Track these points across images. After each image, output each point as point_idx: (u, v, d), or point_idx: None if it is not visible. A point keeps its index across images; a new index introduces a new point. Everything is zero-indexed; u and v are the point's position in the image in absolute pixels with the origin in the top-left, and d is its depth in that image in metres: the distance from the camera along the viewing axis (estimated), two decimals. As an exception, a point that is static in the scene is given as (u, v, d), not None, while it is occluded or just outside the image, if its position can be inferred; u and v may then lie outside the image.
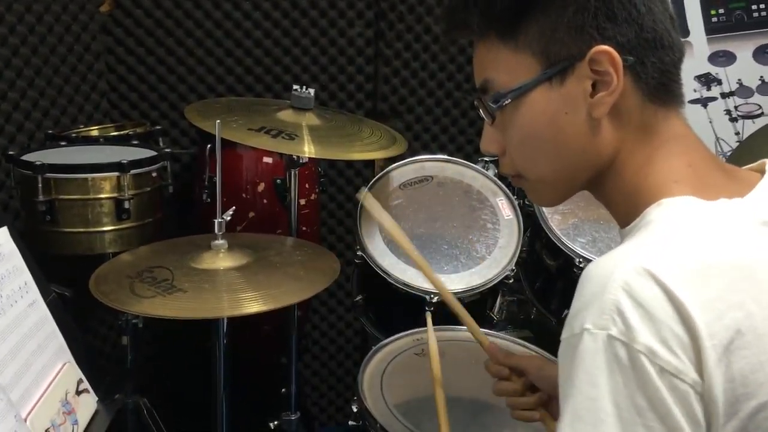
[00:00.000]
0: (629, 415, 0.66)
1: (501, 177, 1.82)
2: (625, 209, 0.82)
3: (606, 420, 0.66)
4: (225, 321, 1.49)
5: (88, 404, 1.22)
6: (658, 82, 0.80)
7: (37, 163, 1.57)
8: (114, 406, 1.31)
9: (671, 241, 0.71)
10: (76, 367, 1.22)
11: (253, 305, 1.27)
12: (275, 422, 1.83)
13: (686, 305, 0.66)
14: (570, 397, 0.69)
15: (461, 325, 1.18)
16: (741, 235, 0.73)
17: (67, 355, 1.22)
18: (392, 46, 2.31)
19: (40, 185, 1.56)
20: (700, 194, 0.76)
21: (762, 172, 0.82)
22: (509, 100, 0.83)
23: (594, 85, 0.79)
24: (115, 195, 1.62)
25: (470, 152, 2.41)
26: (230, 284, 1.36)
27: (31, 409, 1.06)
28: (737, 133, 2.22)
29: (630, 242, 0.75)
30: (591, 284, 0.70)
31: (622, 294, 0.67)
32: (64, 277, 1.47)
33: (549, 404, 1.09)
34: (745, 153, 1.84)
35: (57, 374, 1.16)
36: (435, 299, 1.59)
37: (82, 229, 1.62)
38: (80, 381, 1.22)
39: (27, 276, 1.20)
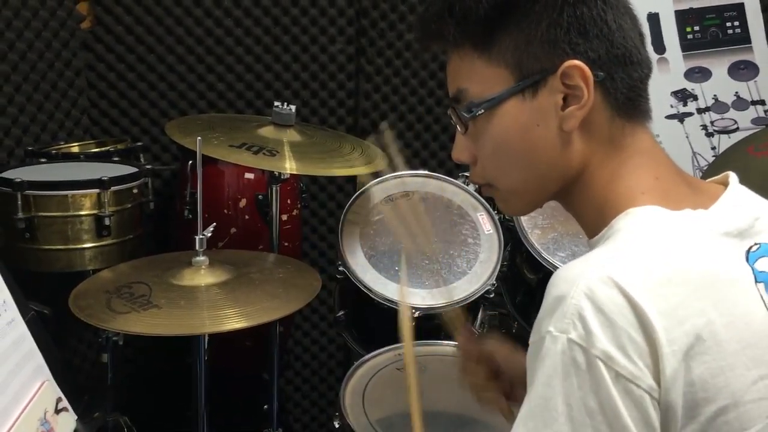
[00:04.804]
0: (579, 415, 0.68)
1: (480, 190, 1.83)
2: (593, 220, 0.84)
3: (557, 419, 0.68)
4: (206, 337, 1.49)
5: (67, 423, 1.21)
6: (626, 98, 0.82)
7: (17, 180, 1.56)
8: (94, 425, 1.29)
9: (636, 250, 0.73)
10: (55, 385, 1.21)
11: (228, 322, 1.27)
12: (257, 439, 1.82)
13: (647, 313, 0.68)
14: (528, 395, 0.72)
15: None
16: (704, 244, 0.75)
17: (46, 373, 1.21)
18: (373, 62, 2.33)
19: (19, 202, 1.56)
20: (666, 205, 0.78)
21: (725, 184, 0.84)
22: (482, 111, 0.84)
23: (565, 99, 0.80)
24: (95, 212, 1.62)
25: (451, 167, 2.42)
26: (206, 301, 1.36)
27: (9, 429, 1.05)
28: (713, 148, 2.26)
29: (596, 250, 0.77)
30: (556, 289, 0.73)
31: (585, 300, 0.69)
32: (43, 294, 1.46)
33: (511, 392, 1.12)
34: (720, 167, 1.87)
35: (35, 393, 1.15)
36: (416, 314, 1.59)
37: (61, 246, 1.61)
38: (59, 400, 1.21)
39: (5, 294, 1.18)
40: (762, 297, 0.74)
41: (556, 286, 0.73)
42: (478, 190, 1.84)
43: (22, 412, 1.10)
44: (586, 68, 0.79)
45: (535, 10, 0.80)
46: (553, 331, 0.70)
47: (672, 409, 0.68)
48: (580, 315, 0.69)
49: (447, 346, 1.55)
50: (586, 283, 0.70)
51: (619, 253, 0.74)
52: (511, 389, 1.12)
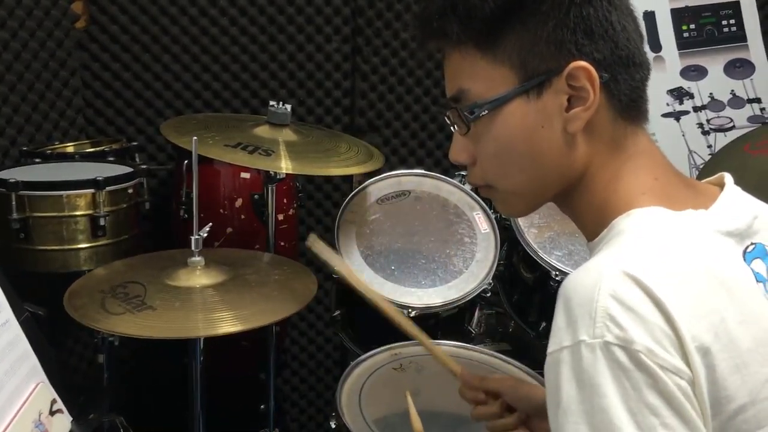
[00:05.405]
0: (644, 417, 0.66)
1: (477, 190, 1.83)
2: (593, 221, 0.84)
3: (623, 428, 0.66)
4: (201, 339, 1.48)
5: (62, 424, 1.20)
6: (629, 99, 0.82)
7: (11, 180, 1.55)
8: (90, 426, 1.29)
9: (647, 248, 0.73)
10: (50, 387, 1.21)
11: (222, 326, 1.26)
12: (254, 439, 1.82)
13: (668, 307, 0.67)
14: (583, 413, 0.68)
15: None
16: (709, 244, 0.75)
17: (41, 375, 1.20)
18: (369, 61, 2.33)
19: (14, 203, 1.55)
20: (668, 205, 0.78)
21: (720, 185, 0.85)
22: (485, 112, 0.83)
23: (570, 100, 0.80)
24: (90, 212, 1.61)
25: (447, 167, 2.42)
26: (201, 303, 1.35)
27: (4, 431, 1.05)
28: (709, 146, 2.26)
29: (606, 251, 0.76)
30: (576, 296, 0.71)
31: (611, 300, 0.68)
32: (39, 295, 1.45)
33: (528, 422, 1.08)
34: (716, 166, 1.87)
35: (30, 395, 1.14)
36: (412, 314, 1.59)
37: (56, 247, 1.61)
38: (54, 401, 1.20)
39: None
40: (766, 296, 0.74)
41: (574, 292, 0.71)
42: (476, 190, 1.84)
43: (16, 414, 1.09)
44: (593, 69, 0.78)
45: (542, 10, 0.79)
46: (587, 339, 0.68)
47: (703, 403, 0.67)
48: (610, 316, 0.67)
49: (445, 346, 1.55)
50: (608, 284, 0.68)
51: (630, 251, 0.73)
52: (527, 420, 1.08)
